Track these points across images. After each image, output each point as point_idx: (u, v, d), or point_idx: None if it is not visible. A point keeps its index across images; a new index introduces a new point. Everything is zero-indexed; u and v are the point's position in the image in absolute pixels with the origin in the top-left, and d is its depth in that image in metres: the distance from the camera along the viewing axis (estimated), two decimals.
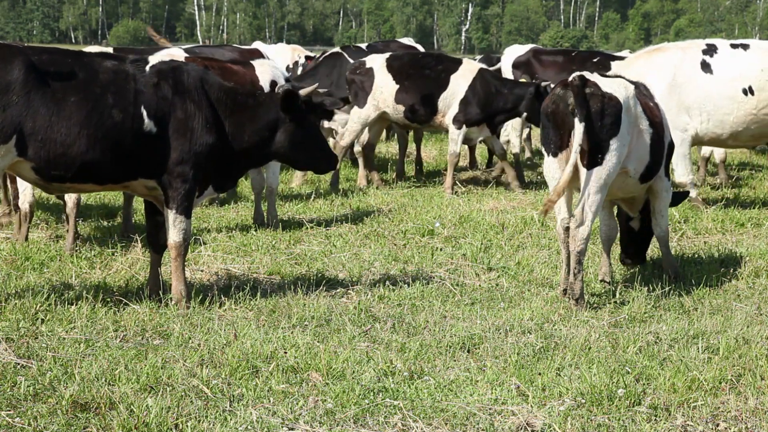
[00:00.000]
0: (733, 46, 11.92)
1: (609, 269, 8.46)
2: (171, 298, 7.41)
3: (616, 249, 8.92)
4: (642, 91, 8.14)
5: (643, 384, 5.97)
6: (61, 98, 6.86)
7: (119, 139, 7.03)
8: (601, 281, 8.43)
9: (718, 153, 14.82)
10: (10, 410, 5.30)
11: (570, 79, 7.71)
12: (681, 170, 12.03)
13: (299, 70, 17.46)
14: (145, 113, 7.11)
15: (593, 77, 7.77)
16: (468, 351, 6.57)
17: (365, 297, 7.83)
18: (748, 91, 11.60)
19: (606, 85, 7.68)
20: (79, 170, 7.00)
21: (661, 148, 8.12)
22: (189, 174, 7.26)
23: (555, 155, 7.69)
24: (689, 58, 11.77)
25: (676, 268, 8.60)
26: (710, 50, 11.81)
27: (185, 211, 7.35)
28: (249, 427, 5.24)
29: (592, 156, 7.54)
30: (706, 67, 11.64)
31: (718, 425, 5.46)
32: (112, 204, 12.01)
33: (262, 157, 7.76)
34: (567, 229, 7.69)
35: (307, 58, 18.46)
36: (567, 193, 7.75)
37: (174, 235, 7.37)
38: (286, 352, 6.34)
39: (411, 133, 15.54)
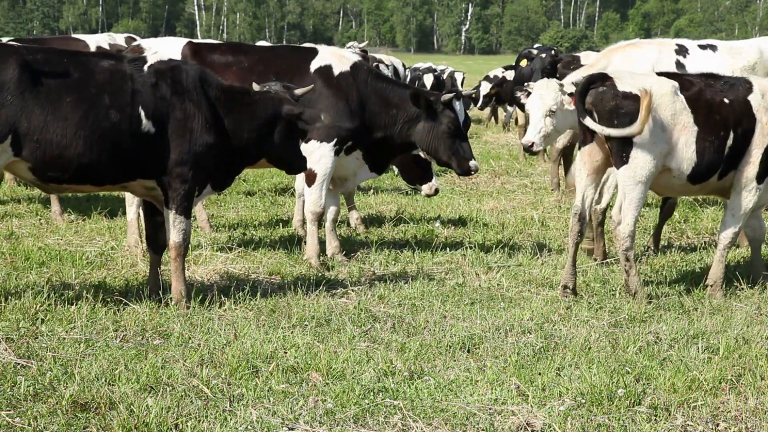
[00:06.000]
0: (702, 47, 11.77)
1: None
2: (171, 298, 7.40)
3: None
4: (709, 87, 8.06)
5: (643, 384, 5.97)
6: (57, 98, 6.81)
7: (116, 140, 6.98)
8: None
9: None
10: (10, 410, 5.30)
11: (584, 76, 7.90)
12: None
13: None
14: (143, 113, 7.07)
15: (617, 75, 7.87)
16: (468, 351, 6.57)
17: (365, 297, 7.83)
18: None
19: (627, 82, 7.73)
20: (76, 171, 6.97)
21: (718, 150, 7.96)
22: (188, 174, 7.24)
23: (579, 149, 8.04)
24: (665, 57, 11.56)
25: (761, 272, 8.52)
26: (682, 51, 11.65)
27: (185, 212, 7.34)
28: (249, 427, 5.24)
29: (617, 154, 7.68)
30: (681, 67, 11.50)
31: (718, 425, 5.46)
32: (113, 203, 12.00)
33: (259, 155, 7.75)
34: (579, 219, 7.83)
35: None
36: (581, 183, 7.94)
37: (174, 236, 7.36)
38: (286, 352, 6.34)
39: None
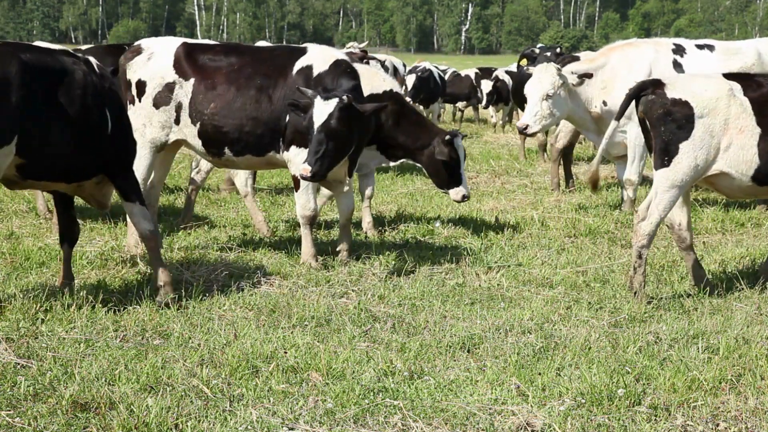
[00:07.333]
0: (699, 47, 11.76)
1: None
2: (157, 286, 7.43)
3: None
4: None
5: (643, 384, 5.97)
6: (46, 96, 6.78)
7: (96, 136, 7.08)
8: None
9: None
10: (10, 410, 5.30)
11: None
12: (634, 168, 11.46)
13: None
14: (108, 111, 7.18)
15: (671, 80, 7.84)
16: (468, 351, 6.57)
17: (365, 297, 7.83)
18: None
19: (679, 88, 7.69)
20: (61, 167, 7.00)
21: None
22: (134, 166, 7.64)
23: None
24: (663, 56, 11.55)
25: None
26: (679, 50, 11.65)
27: (143, 201, 7.58)
28: (249, 427, 5.24)
29: (659, 157, 7.70)
30: (678, 66, 11.49)
31: (718, 425, 5.46)
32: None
33: None
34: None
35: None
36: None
37: (146, 225, 7.50)
38: (286, 352, 6.34)
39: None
